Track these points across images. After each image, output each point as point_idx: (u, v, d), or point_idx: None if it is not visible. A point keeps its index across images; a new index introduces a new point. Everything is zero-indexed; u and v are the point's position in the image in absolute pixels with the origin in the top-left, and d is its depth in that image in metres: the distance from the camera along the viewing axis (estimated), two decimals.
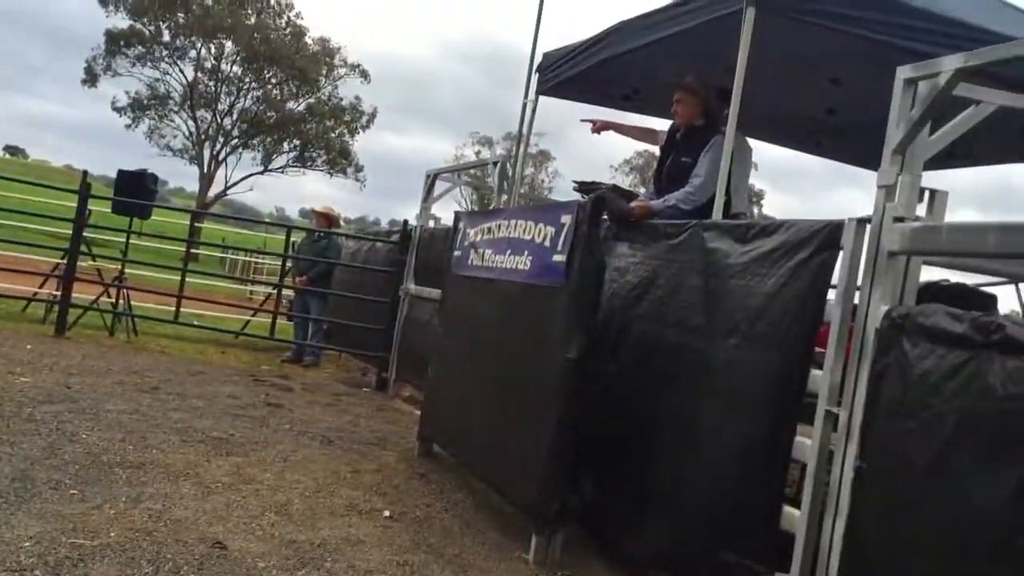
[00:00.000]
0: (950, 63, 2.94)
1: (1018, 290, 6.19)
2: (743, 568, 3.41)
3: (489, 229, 5.57)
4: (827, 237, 3.39)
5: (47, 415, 5.54)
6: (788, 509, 3.34)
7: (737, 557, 3.45)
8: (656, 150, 6.04)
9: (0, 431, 5.00)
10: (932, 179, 3.19)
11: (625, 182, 46.90)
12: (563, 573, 4.20)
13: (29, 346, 8.25)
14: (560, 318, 4.38)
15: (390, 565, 3.94)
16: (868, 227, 3.17)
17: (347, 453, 5.95)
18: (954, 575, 2.47)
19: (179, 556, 3.61)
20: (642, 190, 8.37)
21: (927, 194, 3.11)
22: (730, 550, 3.49)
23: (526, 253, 4.91)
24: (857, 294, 3.22)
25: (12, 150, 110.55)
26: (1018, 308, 6.27)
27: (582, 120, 6.54)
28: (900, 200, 3.08)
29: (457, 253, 6.10)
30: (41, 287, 10.80)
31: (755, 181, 51.02)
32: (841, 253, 3.32)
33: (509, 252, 5.14)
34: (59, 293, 10.02)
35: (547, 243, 4.67)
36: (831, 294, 3.44)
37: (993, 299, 4.90)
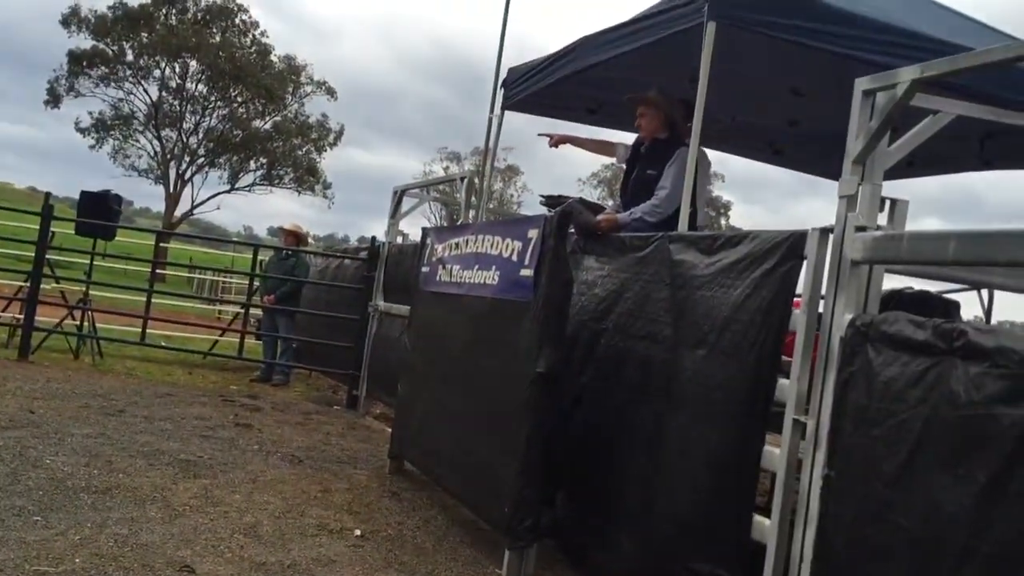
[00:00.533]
0: (907, 74, 2.98)
1: (980, 296, 6.27)
2: None
3: (457, 245, 5.56)
4: (791, 247, 3.42)
5: (10, 440, 5.44)
6: (759, 518, 3.35)
7: (709, 567, 3.45)
8: (614, 161, 6.08)
9: None
10: (896, 188, 3.23)
11: (593, 195, 47.13)
12: None
13: None
14: (529, 332, 4.37)
15: None
16: (831, 237, 3.20)
17: (317, 472, 5.90)
18: None
19: None
20: (610, 203, 8.41)
21: (888, 203, 3.15)
22: (702, 561, 3.49)
23: (494, 268, 4.91)
24: (821, 303, 3.25)
25: None
26: (980, 314, 6.35)
27: (539, 134, 6.60)
28: (861, 210, 3.11)
29: (425, 269, 6.09)
30: (4, 311, 10.64)
31: (723, 192, 51.43)
32: (805, 263, 3.35)
33: (477, 267, 5.13)
34: (22, 316, 9.87)
35: (514, 258, 4.67)
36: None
37: (956, 305, 4.97)
